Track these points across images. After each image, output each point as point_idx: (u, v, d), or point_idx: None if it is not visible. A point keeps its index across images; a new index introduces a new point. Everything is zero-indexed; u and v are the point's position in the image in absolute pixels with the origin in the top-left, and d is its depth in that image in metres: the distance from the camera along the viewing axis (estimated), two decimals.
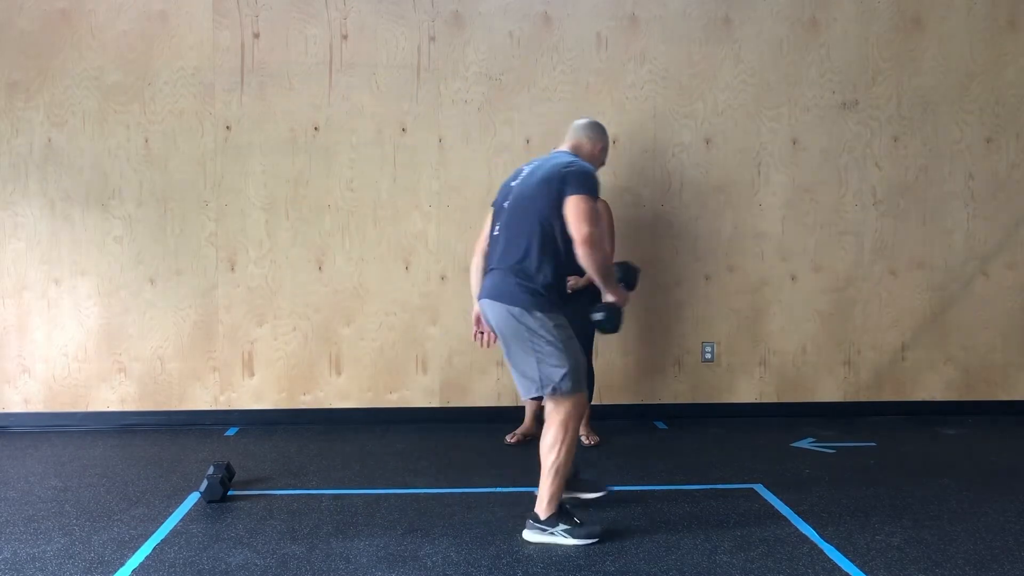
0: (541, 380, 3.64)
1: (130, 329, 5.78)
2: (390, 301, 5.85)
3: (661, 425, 5.81)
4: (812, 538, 3.71)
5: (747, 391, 6.03)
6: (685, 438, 5.50)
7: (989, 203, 6.03)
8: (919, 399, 6.08)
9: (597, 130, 4.00)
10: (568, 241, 3.61)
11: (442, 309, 5.85)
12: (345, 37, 5.75)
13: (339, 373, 5.87)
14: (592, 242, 3.55)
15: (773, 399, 6.03)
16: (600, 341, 5.92)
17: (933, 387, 6.08)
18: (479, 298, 3.82)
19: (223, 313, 5.80)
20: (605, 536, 3.69)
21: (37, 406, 5.78)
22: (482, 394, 5.90)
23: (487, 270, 3.85)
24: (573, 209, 3.56)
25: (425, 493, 4.38)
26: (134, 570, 3.41)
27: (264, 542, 3.69)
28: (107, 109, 5.69)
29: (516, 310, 3.63)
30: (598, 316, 3.80)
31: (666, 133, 5.89)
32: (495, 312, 3.70)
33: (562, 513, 3.69)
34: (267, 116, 5.74)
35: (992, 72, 5.98)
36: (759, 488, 4.39)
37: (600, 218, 3.64)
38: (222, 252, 5.78)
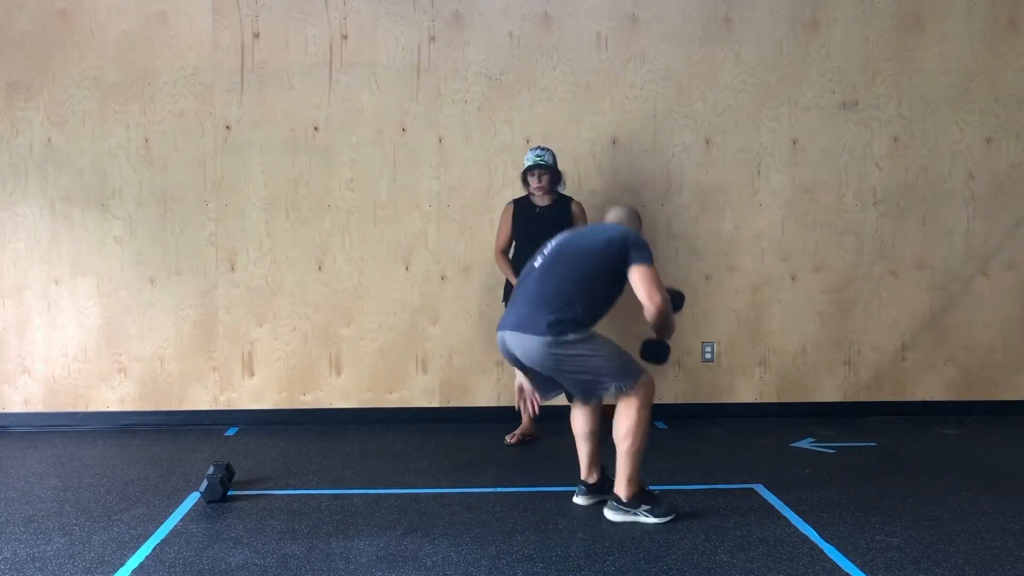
0: (602, 395, 3.87)
1: (130, 329, 5.78)
2: (390, 301, 5.85)
3: (661, 425, 5.81)
4: (812, 538, 3.71)
5: (747, 391, 6.03)
6: (685, 438, 5.50)
7: (989, 203, 6.03)
8: (919, 399, 6.08)
9: (636, 216, 4.26)
10: (607, 298, 3.91)
11: (442, 309, 5.85)
12: (345, 37, 5.75)
13: (339, 373, 5.87)
14: (665, 308, 3.85)
15: (773, 399, 6.03)
16: None
17: (933, 387, 6.08)
18: (501, 329, 3.95)
19: (223, 313, 5.80)
20: (610, 532, 3.72)
21: (37, 406, 5.79)
22: (482, 394, 5.90)
23: (513, 303, 4.01)
24: (645, 277, 3.82)
25: (425, 493, 4.38)
26: (134, 570, 3.41)
27: (264, 542, 3.69)
28: (107, 109, 5.69)
29: (549, 339, 3.76)
30: (649, 355, 4.01)
31: (666, 133, 5.89)
32: (524, 345, 3.83)
33: (643, 494, 3.88)
34: (267, 116, 5.74)
35: (992, 72, 5.98)
36: (759, 488, 4.39)
37: (663, 290, 3.88)
38: (222, 252, 5.78)
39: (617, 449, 3.89)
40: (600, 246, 3.90)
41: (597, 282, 3.87)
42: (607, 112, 5.84)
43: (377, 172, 5.80)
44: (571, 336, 3.77)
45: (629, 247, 3.86)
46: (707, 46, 5.86)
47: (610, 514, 3.91)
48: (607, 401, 3.96)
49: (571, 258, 3.91)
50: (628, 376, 3.83)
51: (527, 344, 3.81)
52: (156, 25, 5.68)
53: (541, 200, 5.28)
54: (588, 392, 3.92)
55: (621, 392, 3.84)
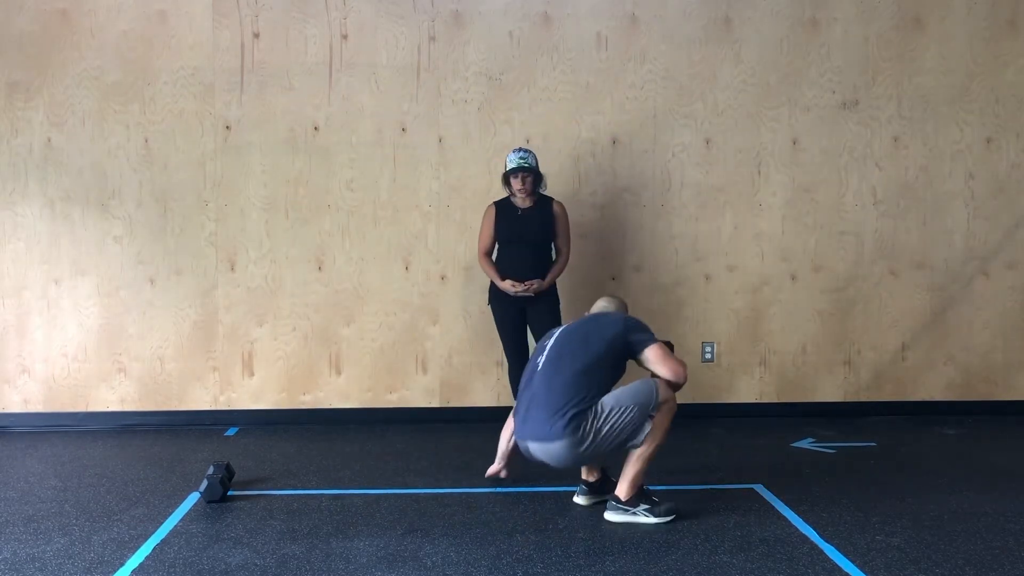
0: (644, 434, 3.88)
1: (130, 329, 5.78)
2: (390, 301, 5.85)
3: None
4: (812, 538, 3.71)
5: (747, 391, 6.03)
6: (685, 438, 5.49)
7: (989, 203, 6.03)
8: (919, 399, 6.08)
9: (623, 304, 4.38)
10: (611, 383, 3.98)
11: (442, 309, 5.85)
12: (345, 37, 5.75)
13: (339, 373, 5.87)
14: (686, 372, 3.99)
15: (773, 399, 6.03)
16: None
17: (933, 387, 6.08)
18: (521, 438, 4.00)
19: (223, 313, 5.80)
20: (610, 532, 3.72)
21: (37, 406, 5.78)
22: (482, 394, 5.90)
23: (522, 405, 4.05)
24: (660, 356, 3.96)
25: (425, 493, 4.38)
26: (134, 570, 3.41)
27: (264, 542, 3.69)
28: (107, 109, 5.69)
29: (574, 439, 3.81)
30: None
31: (666, 133, 5.89)
32: (552, 453, 3.89)
33: (642, 494, 3.91)
34: (267, 116, 5.74)
35: (992, 72, 5.98)
36: (759, 488, 4.39)
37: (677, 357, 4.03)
38: (222, 252, 5.78)
39: (632, 453, 3.91)
40: (601, 340, 3.97)
41: (601, 372, 3.93)
42: (607, 112, 5.84)
43: (377, 172, 5.80)
44: (591, 424, 3.81)
45: (631, 335, 3.98)
46: (707, 46, 5.86)
47: (610, 515, 3.92)
48: None
49: (573, 356, 3.94)
50: (651, 404, 3.88)
51: (554, 451, 3.86)
52: (156, 25, 5.68)
53: (523, 202, 5.24)
54: (634, 440, 3.89)
55: (652, 415, 3.88)
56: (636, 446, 3.87)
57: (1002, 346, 6.09)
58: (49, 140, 5.68)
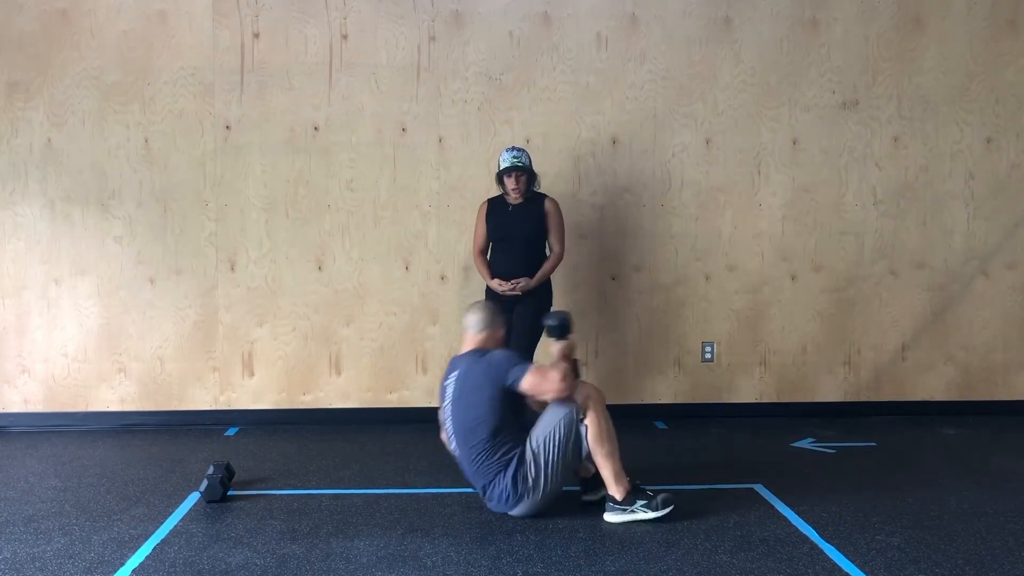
0: (583, 443, 3.92)
1: (130, 329, 5.78)
2: (390, 301, 5.85)
3: (661, 425, 5.81)
4: (812, 538, 3.71)
5: (747, 391, 6.03)
6: (685, 438, 5.50)
7: (989, 203, 6.03)
8: (919, 399, 6.08)
9: (484, 316, 4.18)
10: (515, 409, 3.97)
11: (442, 309, 5.85)
12: (345, 37, 5.75)
13: (339, 373, 5.87)
14: (567, 379, 3.87)
15: (773, 399, 6.03)
16: (602, 342, 5.94)
17: (933, 387, 6.08)
18: (485, 500, 4.07)
19: (223, 313, 5.80)
20: (610, 532, 3.74)
21: (37, 406, 5.79)
22: None
23: (459, 458, 4.11)
24: (533, 383, 3.86)
25: (425, 493, 4.38)
26: (134, 570, 3.41)
27: (264, 542, 3.69)
28: (107, 109, 5.69)
29: (523, 501, 3.91)
30: (550, 322, 4.17)
31: (666, 133, 5.89)
32: (516, 515, 3.99)
33: (636, 490, 3.90)
34: (267, 116, 5.74)
35: (992, 72, 5.98)
36: (759, 488, 4.39)
37: (550, 370, 3.91)
38: (222, 252, 5.78)
39: (595, 459, 3.92)
40: (481, 403, 3.92)
41: (499, 421, 3.91)
42: (607, 112, 5.84)
43: (377, 172, 5.80)
44: (530, 470, 3.86)
45: (503, 381, 3.89)
46: (707, 46, 5.86)
47: (609, 516, 3.92)
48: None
49: (469, 431, 3.96)
50: (573, 407, 3.90)
51: (521, 512, 3.94)
52: (156, 25, 5.68)
53: (516, 200, 5.18)
54: (583, 451, 3.93)
55: (582, 419, 3.89)
56: (593, 453, 3.90)
57: (1002, 346, 6.09)
58: (49, 140, 5.68)
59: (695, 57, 5.87)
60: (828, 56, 5.91)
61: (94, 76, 5.67)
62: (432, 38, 5.77)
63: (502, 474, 3.91)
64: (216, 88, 5.72)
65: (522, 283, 5.06)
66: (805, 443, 5.33)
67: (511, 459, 3.90)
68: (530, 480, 3.88)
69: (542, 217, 5.18)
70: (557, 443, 3.87)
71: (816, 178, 5.96)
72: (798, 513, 4.01)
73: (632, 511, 3.88)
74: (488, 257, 5.29)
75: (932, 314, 6.05)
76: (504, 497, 3.92)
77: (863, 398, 6.06)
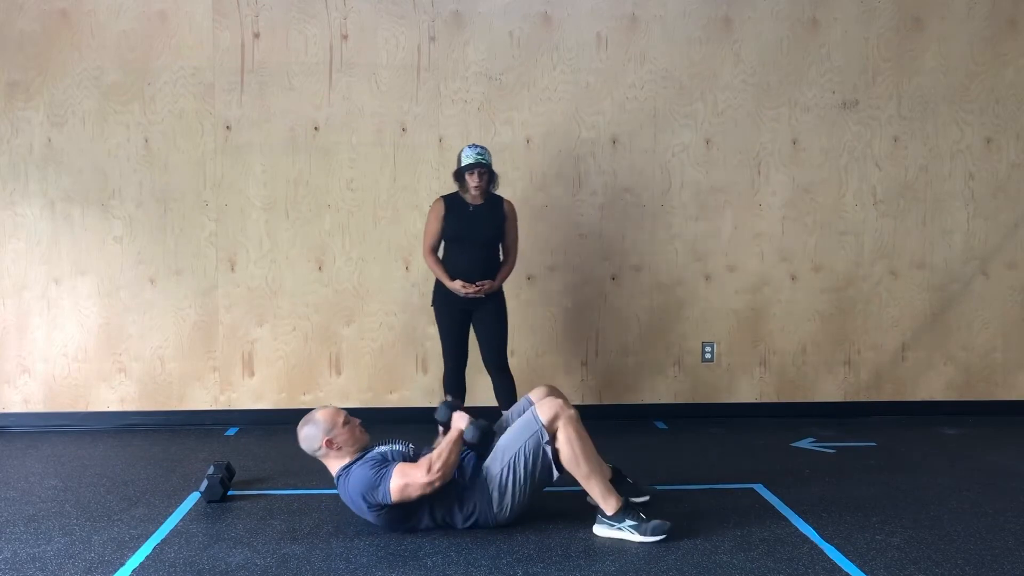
0: (551, 461, 3.76)
1: (130, 329, 5.78)
2: (390, 301, 5.85)
3: (661, 425, 5.81)
4: (812, 538, 3.71)
5: (747, 391, 6.03)
6: (685, 438, 5.50)
7: (989, 203, 6.03)
8: (919, 399, 6.08)
9: (314, 431, 3.82)
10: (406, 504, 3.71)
11: None
12: (345, 37, 5.75)
13: (339, 373, 5.87)
14: (441, 470, 3.67)
15: (773, 399, 6.04)
16: (602, 342, 5.94)
17: (933, 387, 6.08)
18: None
19: (223, 313, 5.80)
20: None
21: (37, 406, 5.79)
22: (481, 394, 5.88)
23: None
24: (399, 488, 3.64)
25: None
26: (134, 570, 3.41)
27: (264, 542, 3.69)
28: (107, 109, 5.69)
29: (497, 500, 3.78)
30: (470, 437, 3.86)
31: (666, 133, 5.89)
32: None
33: (628, 508, 3.76)
34: (267, 116, 5.74)
35: (992, 72, 5.98)
36: (759, 488, 4.39)
37: (413, 468, 3.69)
38: (222, 252, 5.78)
39: (577, 480, 3.79)
40: (369, 516, 3.75)
41: (414, 516, 3.76)
42: (607, 112, 5.84)
43: (377, 172, 5.80)
44: (505, 506, 3.77)
45: (366, 508, 3.71)
46: (707, 46, 5.86)
47: (597, 529, 3.79)
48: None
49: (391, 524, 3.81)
50: (539, 435, 3.74)
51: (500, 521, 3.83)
52: (156, 25, 5.68)
53: (475, 199, 5.01)
54: (552, 476, 3.80)
55: (549, 443, 3.74)
56: (557, 467, 3.76)
57: (1002, 346, 6.09)
58: (49, 140, 5.68)
59: (695, 57, 5.87)
60: (828, 56, 5.91)
61: (94, 76, 5.67)
62: (432, 38, 5.77)
63: (473, 518, 3.80)
64: (216, 88, 5.72)
65: (487, 285, 4.92)
66: (805, 443, 5.33)
67: (473, 513, 3.78)
68: (506, 510, 3.78)
69: (501, 220, 5.04)
70: (523, 477, 3.75)
71: (816, 178, 5.96)
72: (798, 513, 4.01)
73: (619, 528, 3.72)
74: (440, 257, 5.10)
75: (932, 314, 6.06)
76: (489, 523, 3.83)
77: (863, 398, 6.06)
